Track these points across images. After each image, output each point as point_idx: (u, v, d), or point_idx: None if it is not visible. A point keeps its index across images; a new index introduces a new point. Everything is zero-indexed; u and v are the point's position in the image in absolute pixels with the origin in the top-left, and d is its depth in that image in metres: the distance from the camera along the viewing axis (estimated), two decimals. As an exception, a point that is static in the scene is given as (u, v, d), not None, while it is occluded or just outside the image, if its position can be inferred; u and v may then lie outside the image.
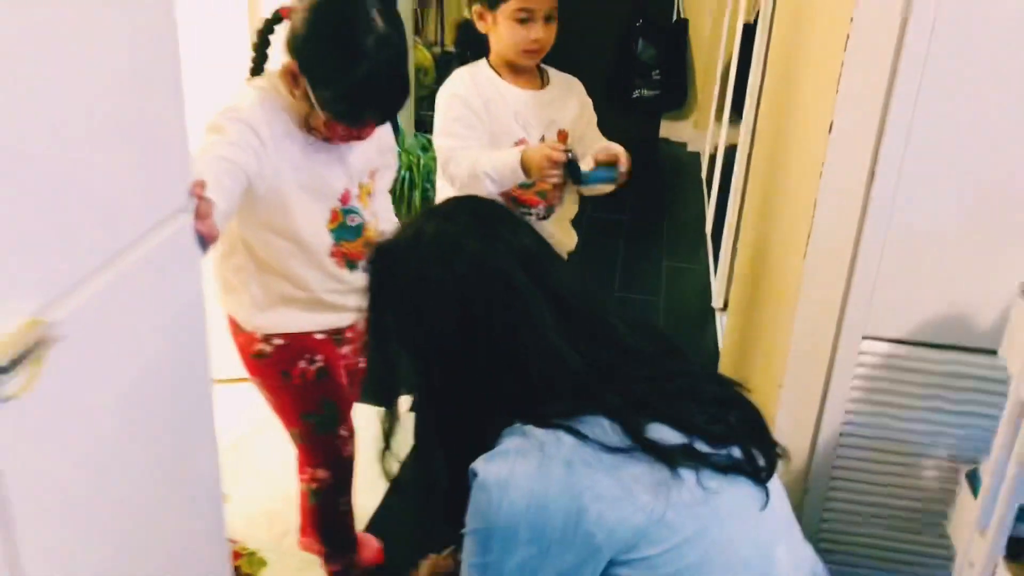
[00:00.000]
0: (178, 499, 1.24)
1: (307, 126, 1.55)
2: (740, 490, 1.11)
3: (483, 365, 1.14)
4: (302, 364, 1.68)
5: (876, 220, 1.45)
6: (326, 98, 1.48)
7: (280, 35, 1.56)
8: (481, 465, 1.07)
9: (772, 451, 1.17)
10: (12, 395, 0.85)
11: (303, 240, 1.58)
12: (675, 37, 5.05)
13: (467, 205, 1.26)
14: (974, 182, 1.41)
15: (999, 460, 1.33)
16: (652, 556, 1.03)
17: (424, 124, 3.57)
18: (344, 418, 1.80)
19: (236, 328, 1.69)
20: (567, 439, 1.05)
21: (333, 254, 1.63)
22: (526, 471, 1.05)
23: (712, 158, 4.13)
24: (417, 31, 3.88)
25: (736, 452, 1.12)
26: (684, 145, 5.22)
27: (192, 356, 1.23)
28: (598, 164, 1.85)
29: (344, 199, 1.62)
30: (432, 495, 1.31)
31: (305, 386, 1.70)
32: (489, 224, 1.20)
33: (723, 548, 1.06)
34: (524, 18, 1.86)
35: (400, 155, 2.64)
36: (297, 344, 1.67)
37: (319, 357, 1.69)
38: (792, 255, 1.59)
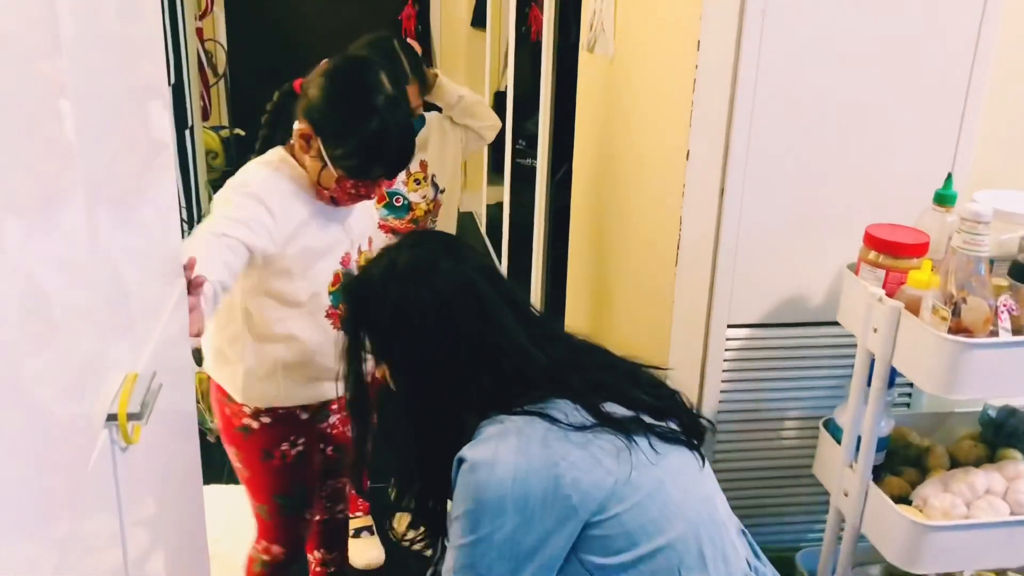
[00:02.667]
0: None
1: (316, 188, 1.62)
2: (682, 454, 1.32)
3: (461, 367, 1.29)
4: (284, 446, 1.70)
5: (728, 228, 1.77)
6: (338, 155, 1.56)
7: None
8: (468, 451, 1.22)
9: (700, 424, 1.41)
10: (131, 442, 0.91)
11: (303, 302, 1.63)
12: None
13: (429, 236, 1.43)
14: (798, 192, 1.76)
15: (856, 405, 1.66)
16: (620, 513, 1.21)
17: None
18: (312, 502, 1.82)
19: (224, 398, 1.69)
20: (539, 422, 1.23)
21: (329, 315, 1.68)
22: (508, 450, 1.20)
23: (498, 215, 4.46)
24: (205, 116, 3.91)
25: (673, 424, 1.35)
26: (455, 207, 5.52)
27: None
28: None
29: (345, 261, 1.69)
30: (408, 489, 1.40)
31: (284, 468, 1.72)
32: (453, 247, 1.38)
33: (677, 500, 1.26)
34: None
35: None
36: (283, 425, 1.69)
37: (301, 441, 1.72)
38: (662, 266, 1.87)
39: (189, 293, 1.26)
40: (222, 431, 1.74)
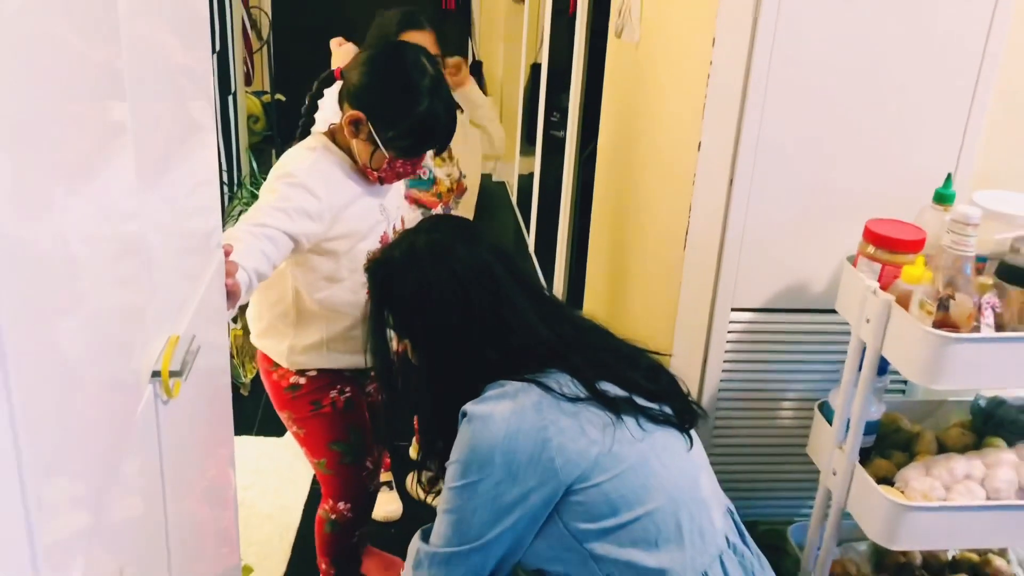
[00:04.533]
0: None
1: (364, 169, 1.71)
2: (670, 434, 1.43)
3: (474, 341, 1.42)
4: (333, 394, 1.82)
5: (736, 216, 1.86)
6: (390, 137, 1.66)
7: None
8: (469, 406, 1.36)
9: (692, 409, 1.52)
10: (172, 396, 1.03)
11: (345, 279, 1.74)
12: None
13: (445, 220, 1.55)
14: (805, 185, 1.84)
15: (847, 389, 1.76)
16: (603, 483, 1.33)
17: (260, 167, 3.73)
18: (370, 450, 1.92)
19: (270, 365, 1.82)
20: (535, 389, 1.35)
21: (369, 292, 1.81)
22: (503, 410, 1.33)
23: (529, 185, 4.55)
24: (248, 81, 4.03)
25: (667, 408, 1.46)
26: (489, 176, 5.63)
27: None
28: None
29: (383, 240, 1.80)
30: (432, 450, 1.55)
31: (335, 414, 1.83)
32: (468, 231, 1.50)
33: (659, 475, 1.37)
34: None
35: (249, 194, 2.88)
36: (329, 377, 1.82)
37: (348, 389, 1.84)
38: (672, 248, 1.97)
39: (226, 275, 1.38)
40: (274, 399, 1.86)
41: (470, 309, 1.41)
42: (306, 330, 1.78)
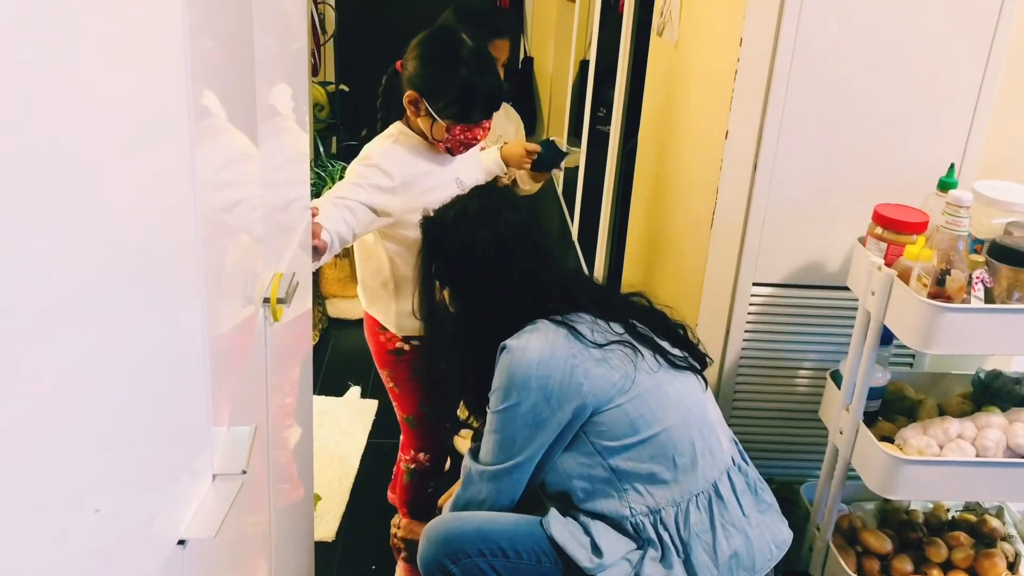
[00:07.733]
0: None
1: (433, 143, 1.94)
2: (683, 372, 1.67)
3: (513, 291, 1.66)
4: None
5: (758, 199, 2.06)
6: (441, 107, 1.88)
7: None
8: (508, 341, 1.60)
9: (702, 354, 1.76)
10: (277, 319, 1.27)
11: None
12: (525, 73, 5.70)
13: (492, 190, 1.79)
14: (822, 172, 2.04)
15: (854, 356, 1.95)
16: (623, 404, 1.57)
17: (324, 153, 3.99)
18: (451, 414, 2.18)
19: (377, 328, 2.06)
20: (563, 328, 1.59)
21: None
22: (537, 341, 1.58)
23: (574, 177, 4.76)
24: (315, 72, 4.30)
25: (678, 351, 1.69)
26: (536, 167, 5.85)
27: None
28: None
29: None
30: (469, 383, 1.79)
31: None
32: (513, 201, 1.75)
33: (673, 398, 1.61)
34: None
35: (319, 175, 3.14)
36: (426, 347, 2.04)
37: None
38: (700, 228, 2.18)
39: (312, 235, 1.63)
40: (376, 357, 2.10)
41: (510, 264, 1.65)
42: (405, 296, 1.99)
